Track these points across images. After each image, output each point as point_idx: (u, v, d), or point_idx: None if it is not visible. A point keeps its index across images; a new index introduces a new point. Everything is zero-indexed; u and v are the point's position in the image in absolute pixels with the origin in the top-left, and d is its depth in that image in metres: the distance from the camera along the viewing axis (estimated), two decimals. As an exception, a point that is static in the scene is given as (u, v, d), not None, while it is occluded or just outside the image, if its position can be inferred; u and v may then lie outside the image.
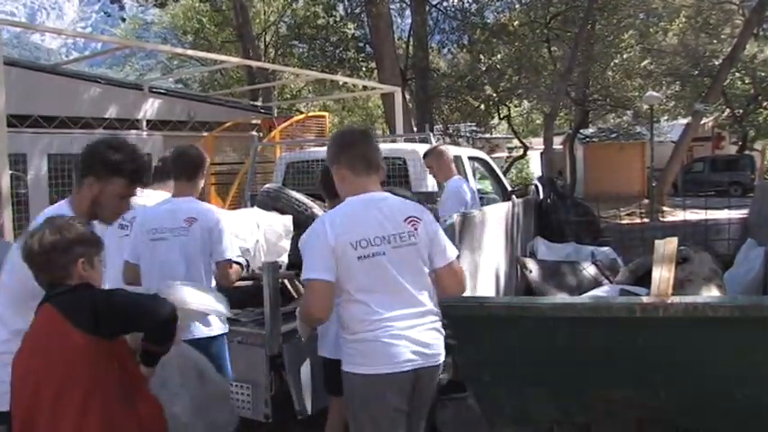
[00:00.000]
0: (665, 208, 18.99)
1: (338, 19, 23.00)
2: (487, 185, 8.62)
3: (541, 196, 6.17)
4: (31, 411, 2.24)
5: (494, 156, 24.31)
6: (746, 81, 28.17)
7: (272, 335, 3.91)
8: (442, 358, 2.81)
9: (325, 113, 14.76)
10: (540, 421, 2.79)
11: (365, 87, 15.91)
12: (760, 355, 2.39)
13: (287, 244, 5.23)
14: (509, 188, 8.16)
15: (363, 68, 23.10)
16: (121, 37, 26.58)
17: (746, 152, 30.24)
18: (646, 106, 22.38)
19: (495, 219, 4.23)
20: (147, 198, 4.21)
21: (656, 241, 2.64)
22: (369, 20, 19.29)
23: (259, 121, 13.59)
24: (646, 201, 21.62)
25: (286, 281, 4.60)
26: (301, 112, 17.66)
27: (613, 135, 30.48)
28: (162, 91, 13.04)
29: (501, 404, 2.87)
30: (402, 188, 4.99)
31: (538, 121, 33.95)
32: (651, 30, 24.42)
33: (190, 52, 19.16)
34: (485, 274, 3.78)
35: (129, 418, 2.33)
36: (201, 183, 3.92)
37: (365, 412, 2.74)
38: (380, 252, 2.72)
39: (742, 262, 4.50)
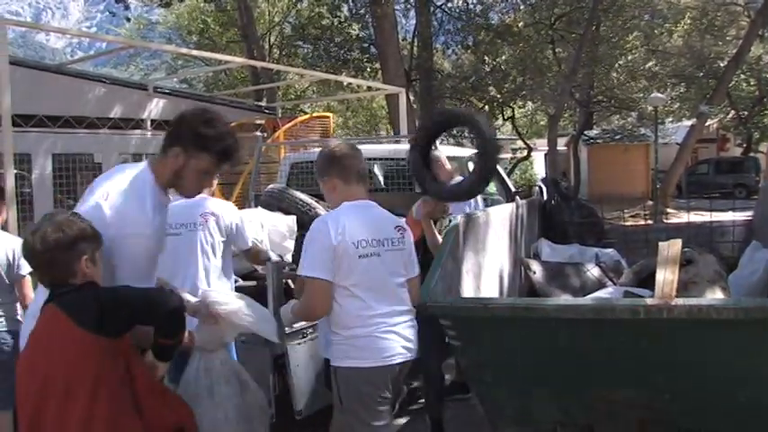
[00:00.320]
0: (669, 210, 18.98)
1: (343, 19, 23.02)
2: (491, 186, 8.61)
3: (545, 197, 6.16)
4: (38, 412, 2.22)
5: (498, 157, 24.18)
6: (751, 83, 28.14)
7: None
8: (414, 355, 3.10)
9: (330, 114, 14.76)
10: (542, 422, 2.79)
11: (369, 88, 15.88)
12: (763, 356, 2.38)
13: (291, 244, 5.24)
14: (513, 189, 8.15)
15: (368, 69, 23.11)
16: (126, 37, 26.62)
17: (751, 154, 30.22)
18: (650, 108, 22.36)
19: (499, 220, 4.22)
20: None
21: (660, 243, 2.64)
22: (373, 20, 19.28)
23: (263, 122, 13.60)
24: (650, 202, 21.61)
25: (290, 281, 4.61)
26: (305, 113, 17.68)
27: (618, 136, 30.45)
28: (166, 91, 13.04)
29: (504, 405, 2.87)
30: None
31: (542, 123, 33.94)
32: (656, 31, 24.39)
33: (194, 52, 19.15)
34: (488, 275, 3.77)
35: (135, 418, 2.31)
36: (215, 181, 4.06)
37: (359, 403, 2.96)
38: (376, 253, 2.99)
39: (746, 264, 4.49)
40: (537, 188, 6.80)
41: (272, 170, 10.17)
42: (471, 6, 23.57)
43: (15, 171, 7.39)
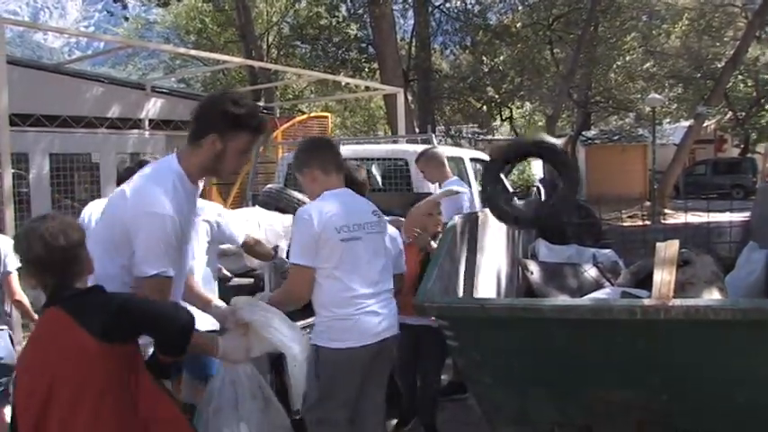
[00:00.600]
0: (666, 210, 18.97)
1: (341, 20, 23.04)
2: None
3: (543, 198, 6.17)
4: (44, 416, 2.17)
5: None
6: (749, 84, 28.18)
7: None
8: (397, 330, 3.30)
9: (328, 114, 14.76)
10: (540, 422, 2.79)
11: (367, 88, 15.89)
12: (760, 357, 2.39)
13: (285, 243, 5.23)
14: (511, 190, 8.16)
15: (366, 69, 23.12)
16: (124, 36, 26.61)
17: (748, 155, 30.26)
18: (648, 108, 22.41)
19: (497, 220, 4.22)
20: None
21: (658, 244, 2.64)
22: (371, 21, 19.30)
23: (261, 122, 13.57)
24: (647, 203, 21.62)
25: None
26: (303, 113, 17.66)
27: (615, 137, 30.50)
28: (164, 90, 13.04)
29: (501, 405, 2.87)
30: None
31: (540, 123, 33.91)
32: (654, 32, 24.44)
33: (192, 52, 19.16)
34: (486, 275, 3.77)
35: (139, 426, 2.27)
36: (201, 183, 4.01)
37: (340, 380, 3.13)
38: (358, 237, 3.18)
39: (743, 265, 4.49)
40: (535, 189, 6.81)
41: (269, 170, 10.16)
42: (469, 7, 23.60)
43: (13, 170, 7.38)
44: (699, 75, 25.53)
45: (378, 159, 7.34)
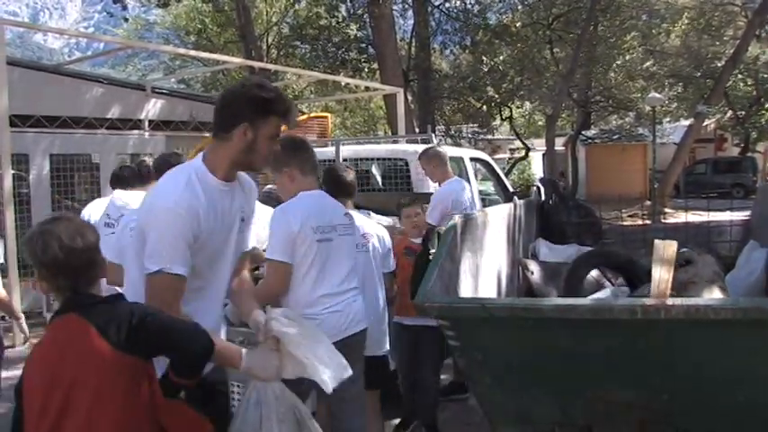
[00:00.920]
0: (666, 210, 18.98)
1: (340, 20, 23.04)
2: (489, 187, 8.63)
3: (543, 198, 6.17)
4: (57, 428, 2.09)
5: (496, 157, 24.31)
6: (749, 83, 28.18)
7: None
8: (366, 325, 3.40)
9: (328, 114, 14.76)
10: (541, 422, 2.79)
11: (367, 88, 15.91)
12: (761, 356, 2.38)
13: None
14: (511, 189, 8.16)
15: (365, 69, 23.12)
16: (124, 37, 26.60)
17: (749, 154, 30.26)
18: (648, 108, 22.42)
19: (497, 220, 4.23)
20: (123, 199, 4.28)
21: (656, 242, 2.64)
22: (371, 21, 19.31)
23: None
24: (648, 202, 21.63)
25: None
26: (303, 113, 17.65)
27: (615, 136, 30.50)
28: (164, 91, 13.05)
29: (502, 405, 2.87)
30: None
31: (540, 123, 33.96)
32: (654, 31, 24.44)
33: (192, 53, 19.17)
34: (486, 275, 3.78)
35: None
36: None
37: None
38: (330, 238, 3.28)
39: (744, 264, 4.50)
40: (535, 188, 6.81)
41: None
42: (469, 6, 23.61)
43: (13, 171, 7.39)
44: (699, 74, 25.54)
45: (378, 159, 7.34)
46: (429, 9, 22.79)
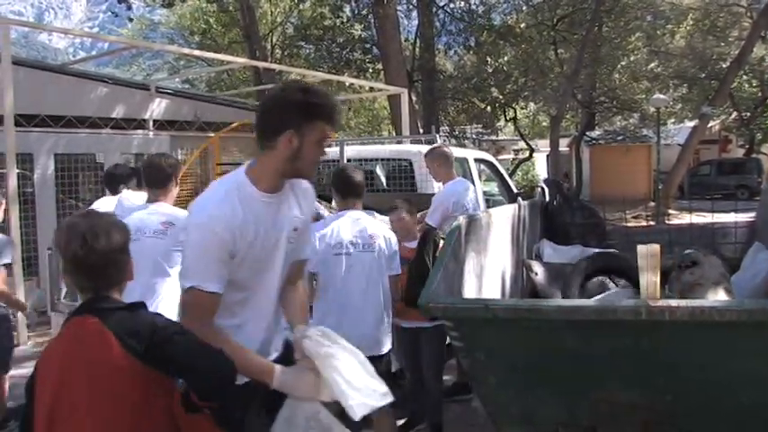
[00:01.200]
0: (671, 211, 18.94)
1: (345, 20, 23.04)
2: (493, 187, 8.62)
3: (547, 198, 6.16)
4: None
5: (500, 158, 24.27)
6: (754, 84, 28.13)
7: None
8: None
9: (332, 115, 14.74)
10: (545, 423, 2.79)
11: (371, 89, 15.91)
12: (766, 358, 2.38)
13: None
14: (515, 190, 8.15)
15: (370, 70, 23.12)
16: (128, 37, 26.66)
17: (753, 155, 30.18)
18: (652, 109, 22.35)
19: (501, 221, 4.22)
20: (130, 199, 4.29)
21: (639, 247, 2.65)
22: (375, 21, 19.31)
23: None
24: (652, 203, 21.58)
25: None
26: (308, 113, 17.66)
27: (620, 137, 30.45)
28: (169, 91, 13.07)
29: (506, 406, 2.87)
30: None
31: (544, 124, 33.95)
32: (658, 32, 24.41)
33: (197, 53, 19.19)
34: (490, 276, 3.77)
35: None
36: (175, 190, 4.03)
37: None
38: None
39: (749, 266, 4.48)
40: (539, 189, 6.81)
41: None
42: (473, 7, 23.60)
43: (18, 171, 7.41)
44: (703, 75, 25.49)
45: (382, 160, 7.34)
46: (434, 10, 22.79)
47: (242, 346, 2.29)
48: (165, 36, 31.90)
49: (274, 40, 27.84)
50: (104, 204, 5.24)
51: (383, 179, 7.22)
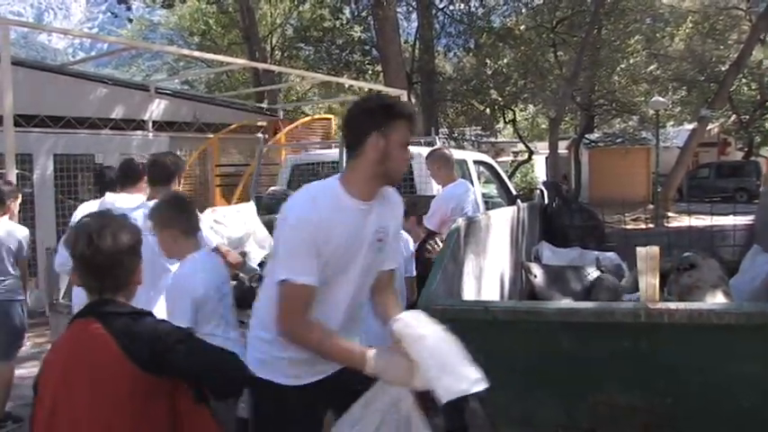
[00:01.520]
0: (670, 213, 18.93)
1: (344, 22, 23.04)
2: (492, 190, 8.63)
3: (546, 201, 6.17)
4: None
5: (499, 160, 24.27)
6: (753, 87, 28.16)
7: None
8: None
9: (331, 116, 14.78)
10: (544, 425, 2.79)
11: (371, 90, 15.91)
12: (765, 361, 2.38)
13: (261, 254, 5.19)
14: (514, 192, 8.16)
15: (369, 71, 23.12)
16: (128, 38, 26.65)
17: (752, 158, 30.19)
18: (651, 111, 22.37)
19: (500, 223, 4.22)
20: (122, 200, 4.28)
21: (638, 249, 2.65)
22: (375, 23, 19.31)
23: (265, 124, 13.61)
24: (651, 206, 21.58)
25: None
26: (307, 115, 17.70)
27: (619, 140, 30.44)
28: (168, 92, 13.08)
29: (505, 408, 2.87)
30: None
31: (543, 126, 33.95)
32: (658, 35, 24.42)
33: (196, 54, 19.19)
34: (489, 278, 3.77)
35: None
36: (177, 188, 4.06)
37: None
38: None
39: (748, 269, 4.49)
40: (538, 191, 6.81)
41: (273, 172, 10.18)
42: (473, 9, 23.59)
43: (17, 171, 7.40)
44: (702, 78, 25.51)
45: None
46: (433, 12, 22.79)
47: (335, 335, 2.39)
48: (164, 37, 31.91)
49: (274, 41, 27.86)
50: (88, 210, 5.21)
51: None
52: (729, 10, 23.83)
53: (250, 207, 5.54)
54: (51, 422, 2.06)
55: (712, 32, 24.39)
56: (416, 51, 23.17)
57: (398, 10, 20.64)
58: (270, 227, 5.51)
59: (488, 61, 23.96)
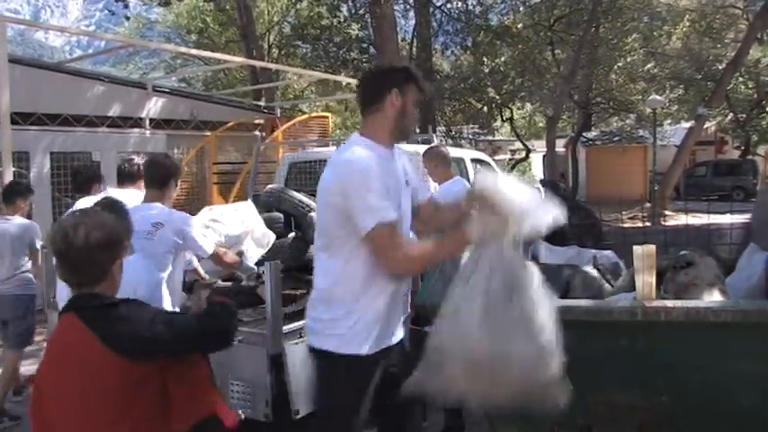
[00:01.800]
0: (667, 212, 18.96)
1: (342, 20, 23.00)
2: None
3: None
4: None
5: (496, 158, 24.28)
6: (750, 85, 28.14)
7: (273, 334, 3.90)
8: None
9: (328, 114, 14.78)
10: (541, 424, 2.79)
11: (368, 88, 15.88)
12: (761, 359, 2.38)
13: (258, 253, 5.17)
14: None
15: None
16: (125, 35, 26.60)
17: (749, 157, 30.22)
18: (649, 110, 22.41)
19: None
20: (126, 197, 4.26)
21: (635, 248, 2.66)
22: (372, 21, 19.28)
23: (262, 121, 13.60)
24: (648, 204, 21.61)
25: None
26: (304, 113, 17.66)
27: (616, 138, 30.47)
28: (165, 90, 13.05)
29: (503, 406, 2.87)
30: None
31: (540, 124, 33.94)
32: (655, 33, 24.43)
33: (193, 51, 19.16)
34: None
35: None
36: (174, 191, 4.00)
37: None
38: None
39: (744, 267, 4.48)
40: (535, 190, 6.81)
41: (270, 170, 10.17)
42: (470, 7, 23.58)
43: (14, 169, 7.39)
44: (700, 76, 25.51)
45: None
46: (431, 10, 22.77)
47: (430, 243, 2.63)
48: (161, 35, 31.80)
49: (271, 39, 27.80)
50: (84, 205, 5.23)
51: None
52: (726, 8, 23.83)
53: (248, 205, 5.53)
54: (43, 417, 2.12)
55: (709, 31, 24.40)
56: (414, 49, 23.15)
57: (396, 8, 20.62)
58: (270, 225, 5.52)
59: (486, 59, 23.93)
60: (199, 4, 27.65)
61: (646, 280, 2.59)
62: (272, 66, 17.95)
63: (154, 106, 11.86)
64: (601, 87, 25.65)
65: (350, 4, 22.87)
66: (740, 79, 26.42)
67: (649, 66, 25.53)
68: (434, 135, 9.03)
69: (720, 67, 22.79)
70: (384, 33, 17.65)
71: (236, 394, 4.02)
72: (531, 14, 23.67)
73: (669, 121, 31.98)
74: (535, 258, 5.14)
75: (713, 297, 3.52)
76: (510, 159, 33.35)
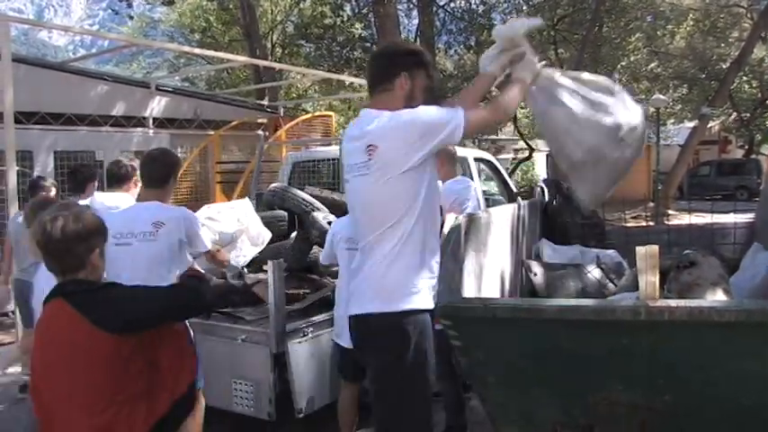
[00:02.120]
0: (670, 211, 18.94)
1: (345, 19, 23.00)
2: (493, 187, 8.62)
3: (547, 198, 6.16)
4: (69, 420, 2.20)
5: (499, 157, 24.21)
6: (754, 85, 28.12)
7: (276, 333, 3.91)
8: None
9: (332, 113, 14.77)
10: (543, 423, 2.79)
11: (371, 87, 15.88)
12: (765, 359, 2.38)
13: (253, 251, 5.16)
14: (514, 190, 8.15)
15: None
16: (128, 35, 26.61)
17: (753, 156, 30.17)
18: (652, 109, 22.35)
19: (501, 221, 4.22)
20: (108, 200, 4.26)
21: (638, 248, 2.65)
22: (376, 20, 19.28)
23: (265, 121, 13.61)
24: (651, 204, 21.58)
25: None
26: (307, 112, 17.67)
27: (619, 137, 30.39)
28: (169, 89, 13.07)
29: (505, 406, 2.87)
30: None
31: (544, 123, 33.83)
32: (658, 33, 24.39)
33: (197, 51, 19.16)
34: (490, 275, 3.77)
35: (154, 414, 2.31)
36: (173, 187, 3.93)
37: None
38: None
39: (748, 267, 4.48)
40: (538, 189, 6.80)
41: (273, 169, 10.18)
42: (474, 7, 23.57)
43: (17, 168, 7.40)
44: (703, 75, 25.49)
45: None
46: (434, 9, 22.76)
47: (508, 86, 3.08)
48: (165, 34, 31.86)
49: (274, 38, 27.82)
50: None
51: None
52: (730, 7, 23.80)
53: (245, 204, 5.53)
54: (41, 397, 2.25)
55: (713, 30, 24.38)
56: (417, 49, 23.14)
57: (399, 7, 20.62)
58: (273, 223, 5.52)
59: (489, 59, 23.93)
60: (202, 3, 27.69)
61: (649, 279, 2.58)
62: (276, 65, 17.94)
63: (157, 105, 11.88)
64: (604, 86, 25.60)
65: (353, 3, 22.88)
66: (744, 78, 26.40)
67: (653, 65, 25.52)
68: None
69: (724, 67, 22.76)
70: (387, 32, 17.64)
71: (240, 393, 4.02)
72: (535, 14, 23.63)
73: (672, 121, 31.93)
74: (539, 258, 5.15)
75: (717, 296, 3.51)
76: (513, 159, 33.30)
